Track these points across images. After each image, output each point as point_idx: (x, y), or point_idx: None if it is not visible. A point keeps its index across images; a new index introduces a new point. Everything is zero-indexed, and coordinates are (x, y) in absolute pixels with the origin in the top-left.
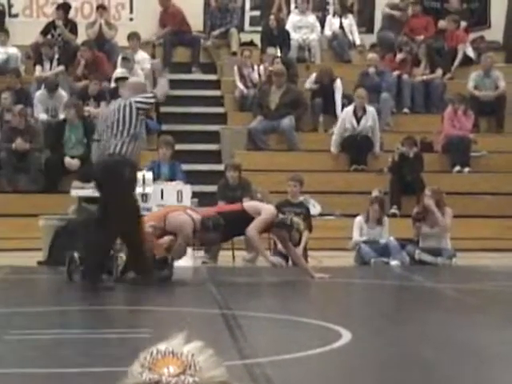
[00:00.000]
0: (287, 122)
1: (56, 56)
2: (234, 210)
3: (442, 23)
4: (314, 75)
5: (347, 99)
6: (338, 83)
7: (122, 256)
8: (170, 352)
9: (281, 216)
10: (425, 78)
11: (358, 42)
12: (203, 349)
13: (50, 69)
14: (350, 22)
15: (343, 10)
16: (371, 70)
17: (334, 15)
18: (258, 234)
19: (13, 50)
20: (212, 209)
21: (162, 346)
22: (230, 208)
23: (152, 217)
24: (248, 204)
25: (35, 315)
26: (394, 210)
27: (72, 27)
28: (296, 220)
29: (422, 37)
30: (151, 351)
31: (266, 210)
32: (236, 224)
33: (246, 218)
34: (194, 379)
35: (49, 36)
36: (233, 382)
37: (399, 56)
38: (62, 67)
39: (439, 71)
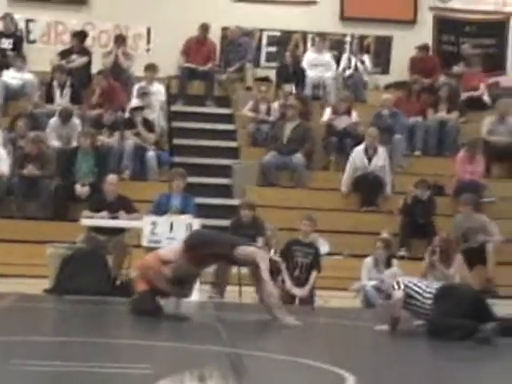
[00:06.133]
0: (299, 158)
1: (68, 83)
2: (224, 254)
3: (455, 68)
4: (329, 110)
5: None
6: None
7: None
8: None
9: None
10: (439, 115)
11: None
12: None
13: (61, 96)
14: (365, 62)
15: (360, 50)
16: (385, 111)
17: (353, 54)
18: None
19: (29, 76)
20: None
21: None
22: (221, 251)
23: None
24: (239, 251)
25: (38, 345)
26: (402, 253)
27: (86, 56)
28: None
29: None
30: None
31: (261, 260)
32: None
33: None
34: None
35: (63, 62)
36: None
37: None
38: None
39: (455, 113)
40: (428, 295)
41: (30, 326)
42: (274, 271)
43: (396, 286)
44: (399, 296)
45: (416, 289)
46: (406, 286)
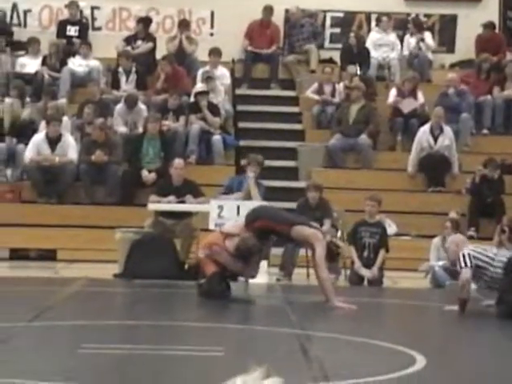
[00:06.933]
0: (364, 139)
1: (133, 69)
2: (282, 232)
3: None
4: (394, 90)
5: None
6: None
7: None
8: None
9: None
10: (506, 93)
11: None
12: None
13: (127, 82)
14: (427, 40)
15: (419, 29)
16: (451, 90)
17: (411, 34)
18: (328, 273)
19: (94, 63)
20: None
21: (240, 381)
22: (279, 228)
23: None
24: (297, 232)
25: (108, 329)
26: (471, 233)
27: (151, 41)
28: (340, 245)
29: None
30: None
31: (317, 242)
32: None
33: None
34: None
35: (128, 48)
36: None
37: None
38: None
39: None
40: (497, 264)
41: (99, 311)
42: (335, 255)
43: (463, 264)
44: (467, 276)
45: (485, 259)
46: (474, 257)
